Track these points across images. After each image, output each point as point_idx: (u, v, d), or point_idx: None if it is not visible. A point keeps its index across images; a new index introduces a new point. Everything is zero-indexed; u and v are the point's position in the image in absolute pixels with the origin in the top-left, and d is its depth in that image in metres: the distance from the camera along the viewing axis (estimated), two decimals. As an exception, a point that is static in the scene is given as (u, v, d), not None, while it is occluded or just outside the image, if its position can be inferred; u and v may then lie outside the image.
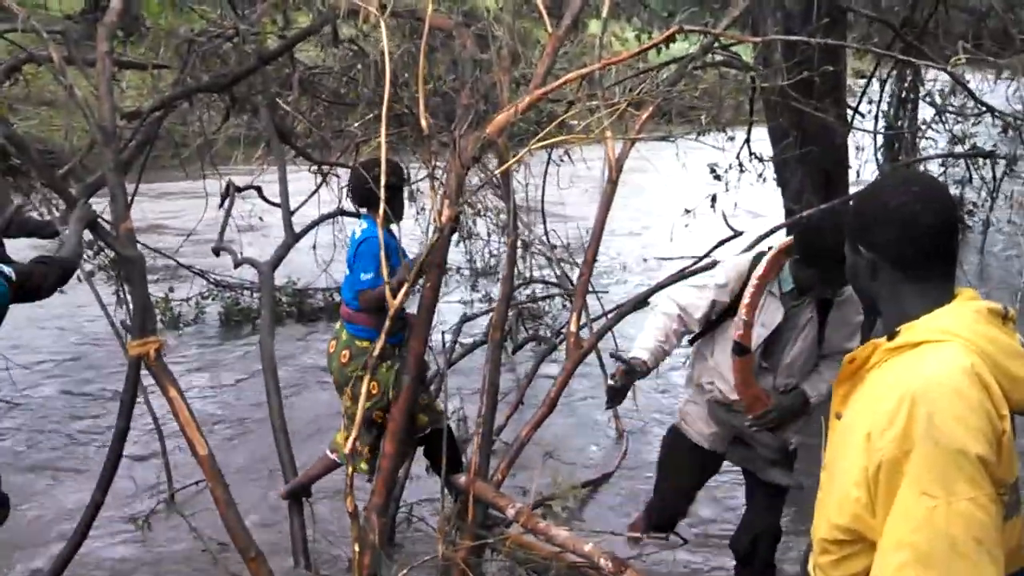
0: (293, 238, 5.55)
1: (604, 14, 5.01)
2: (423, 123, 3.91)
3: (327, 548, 4.73)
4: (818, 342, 3.67)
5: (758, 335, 3.57)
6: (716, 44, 5.09)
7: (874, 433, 1.69)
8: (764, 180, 7.52)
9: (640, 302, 4.76)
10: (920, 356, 1.74)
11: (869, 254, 1.87)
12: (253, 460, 5.72)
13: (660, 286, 4.70)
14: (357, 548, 3.24)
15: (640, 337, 3.69)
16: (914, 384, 1.68)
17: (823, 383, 3.70)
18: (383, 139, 3.71)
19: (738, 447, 3.84)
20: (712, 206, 7.10)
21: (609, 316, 5.27)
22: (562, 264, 6.35)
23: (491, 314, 4.73)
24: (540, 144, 4.00)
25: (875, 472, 1.68)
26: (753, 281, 3.52)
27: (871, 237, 1.86)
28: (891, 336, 1.83)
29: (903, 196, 1.83)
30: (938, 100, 7.66)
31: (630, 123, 4.82)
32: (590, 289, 5.55)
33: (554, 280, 6.62)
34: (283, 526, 4.53)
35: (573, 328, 4.12)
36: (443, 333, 5.80)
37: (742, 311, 3.52)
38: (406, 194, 5.11)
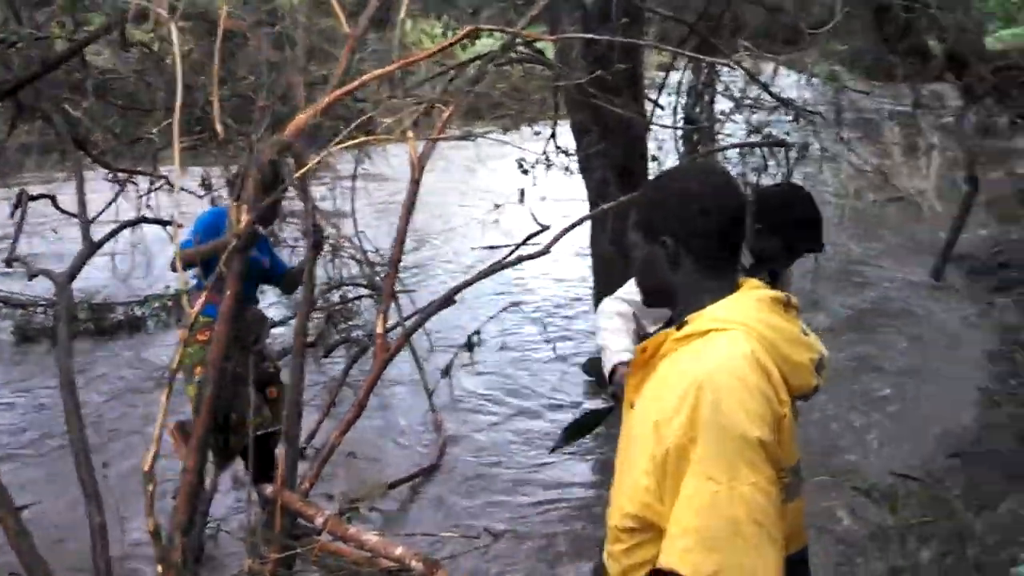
0: (90, 248, 5.32)
1: (402, 14, 5.00)
2: (218, 127, 3.83)
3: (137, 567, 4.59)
4: None
5: None
6: (518, 42, 5.17)
7: (662, 421, 1.72)
8: (571, 173, 7.69)
9: (447, 300, 4.76)
10: (705, 344, 1.78)
11: (673, 243, 1.87)
12: (58, 482, 5.47)
13: (467, 283, 4.72)
14: (160, 569, 3.14)
15: (609, 342, 3.47)
16: (699, 372, 1.71)
17: None
18: (175, 144, 3.62)
19: None
20: (521, 200, 7.23)
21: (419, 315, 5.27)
22: (375, 265, 6.32)
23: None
24: (340, 145, 3.97)
25: (663, 460, 1.71)
26: None
27: (675, 226, 1.87)
28: (680, 325, 1.85)
29: (706, 185, 1.87)
30: (736, 93, 7.98)
31: (438, 121, 4.84)
32: (403, 289, 5.57)
33: (364, 281, 6.59)
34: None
35: (380, 330, 4.09)
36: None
37: None
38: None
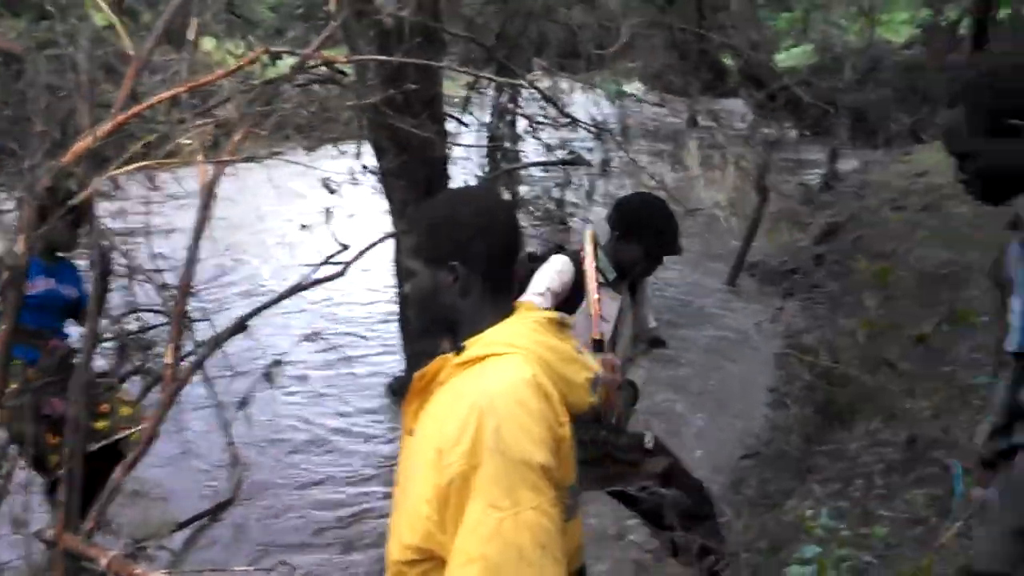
0: None
1: (191, 36, 4.93)
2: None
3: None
4: None
5: (606, 330, 3.50)
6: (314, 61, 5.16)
7: (444, 449, 1.71)
8: (378, 192, 7.68)
9: (239, 326, 4.68)
10: (485, 369, 1.78)
11: (464, 269, 1.86)
12: None
13: (261, 308, 4.66)
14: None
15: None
16: (480, 398, 1.71)
17: (641, 368, 3.74)
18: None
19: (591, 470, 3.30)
20: (328, 219, 7.16)
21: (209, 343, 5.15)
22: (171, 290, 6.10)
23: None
24: (124, 169, 3.89)
25: (446, 488, 1.70)
26: (591, 273, 3.44)
27: (466, 250, 1.86)
28: (459, 351, 1.85)
29: (492, 207, 1.89)
30: (537, 111, 8.16)
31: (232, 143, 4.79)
32: (203, 315, 5.45)
33: (161, 308, 6.37)
34: None
35: (169, 359, 4.01)
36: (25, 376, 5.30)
37: (593, 307, 3.43)
38: None
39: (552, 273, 3.57)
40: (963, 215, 8.94)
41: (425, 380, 1.88)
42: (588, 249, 3.56)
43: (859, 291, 7.69)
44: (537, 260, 3.69)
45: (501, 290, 1.91)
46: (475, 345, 1.83)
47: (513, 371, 1.76)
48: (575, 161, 7.20)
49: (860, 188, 11.78)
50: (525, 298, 3.35)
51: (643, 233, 3.53)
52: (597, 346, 3.52)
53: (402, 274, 6.82)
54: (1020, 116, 2.02)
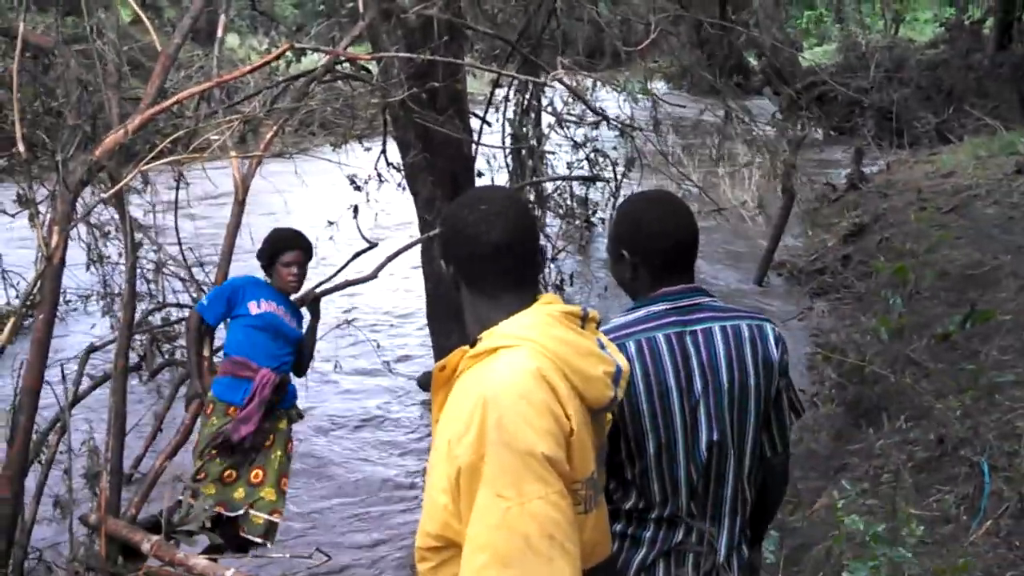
0: None
1: (219, 33, 4.98)
2: (20, 147, 3.75)
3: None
4: None
5: None
6: (341, 60, 5.19)
7: (453, 440, 1.74)
8: (404, 189, 7.69)
9: None
10: (493, 362, 1.81)
11: (448, 267, 1.98)
12: None
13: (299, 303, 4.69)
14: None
15: None
16: (485, 390, 1.75)
17: None
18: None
19: None
20: (355, 217, 7.18)
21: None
22: (201, 285, 6.14)
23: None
24: (155, 163, 3.93)
25: (456, 478, 1.73)
26: None
27: (450, 252, 1.97)
28: (474, 343, 1.89)
29: (472, 214, 1.93)
30: (560, 108, 8.15)
31: (262, 139, 4.83)
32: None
33: (191, 302, 6.42)
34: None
35: (205, 352, 4.06)
36: (62, 365, 5.08)
37: None
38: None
39: None
40: (991, 216, 8.86)
41: (446, 372, 1.92)
42: None
43: (886, 291, 7.62)
44: None
45: (502, 288, 1.94)
46: (488, 337, 1.87)
47: (517, 363, 1.78)
48: (595, 177, 7.24)
49: (886, 188, 11.68)
50: None
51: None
52: None
53: (430, 270, 6.84)
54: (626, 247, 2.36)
